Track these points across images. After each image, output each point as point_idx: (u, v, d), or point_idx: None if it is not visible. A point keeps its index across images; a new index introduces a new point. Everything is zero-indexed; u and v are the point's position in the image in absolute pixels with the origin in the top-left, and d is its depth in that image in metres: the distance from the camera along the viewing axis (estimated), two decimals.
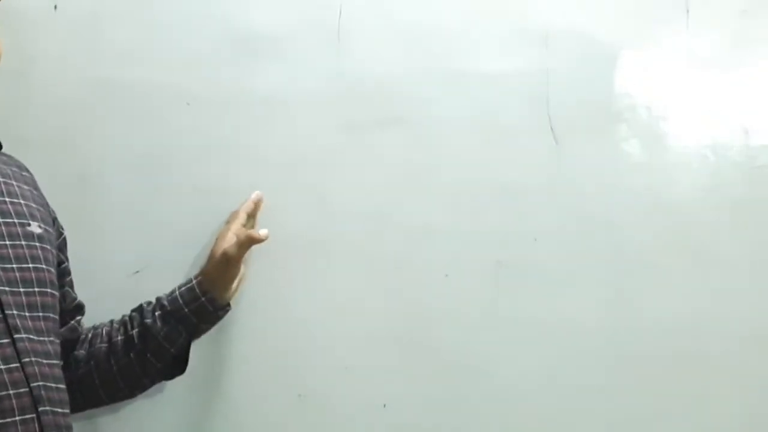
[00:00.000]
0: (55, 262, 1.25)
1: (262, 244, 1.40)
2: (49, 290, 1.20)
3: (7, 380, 1.08)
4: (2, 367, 1.08)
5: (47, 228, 1.25)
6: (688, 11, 1.57)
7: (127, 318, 1.37)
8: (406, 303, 1.50)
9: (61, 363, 1.20)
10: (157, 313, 1.34)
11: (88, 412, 1.39)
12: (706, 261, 1.53)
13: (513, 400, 1.50)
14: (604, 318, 1.51)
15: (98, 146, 1.46)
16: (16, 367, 1.09)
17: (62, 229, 1.34)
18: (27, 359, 1.11)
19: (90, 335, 1.36)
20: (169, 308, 1.34)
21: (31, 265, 1.17)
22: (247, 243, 1.37)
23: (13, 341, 1.10)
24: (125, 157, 1.46)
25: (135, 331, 1.34)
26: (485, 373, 1.50)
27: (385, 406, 1.48)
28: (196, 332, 1.37)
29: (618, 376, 1.51)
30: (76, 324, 1.35)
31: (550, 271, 1.51)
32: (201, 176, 1.47)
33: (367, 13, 1.51)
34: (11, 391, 1.07)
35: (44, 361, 1.13)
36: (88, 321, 1.40)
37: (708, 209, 1.54)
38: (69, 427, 1.17)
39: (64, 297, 1.31)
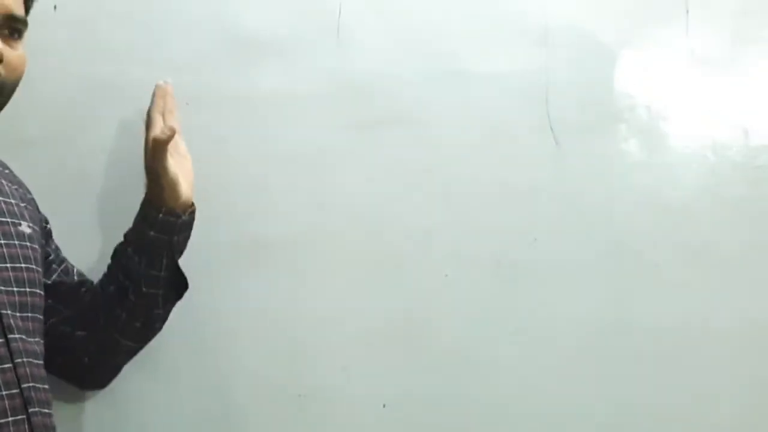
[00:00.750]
0: (41, 261, 1.24)
1: (261, 244, 1.39)
2: (38, 291, 1.19)
3: (0, 381, 1.08)
4: None
5: (35, 227, 1.24)
6: (687, 11, 1.57)
7: (107, 269, 1.36)
8: (406, 303, 1.50)
9: (42, 362, 1.19)
10: (129, 249, 1.32)
11: (86, 410, 1.40)
12: (706, 261, 1.53)
13: (513, 399, 1.50)
14: (604, 318, 1.52)
15: (98, 146, 1.46)
16: (9, 367, 1.09)
17: (46, 221, 1.33)
18: (19, 360, 1.10)
19: (89, 297, 1.35)
20: (135, 239, 1.32)
21: (23, 265, 1.17)
22: (158, 147, 1.28)
23: (7, 341, 1.10)
24: (125, 157, 1.46)
25: (120, 274, 1.32)
26: (485, 373, 1.50)
27: (385, 406, 1.48)
28: (173, 244, 1.33)
29: (618, 375, 1.51)
30: (81, 295, 1.34)
31: (550, 271, 1.52)
32: (201, 176, 1.47)
33: (367, 13, 1.51)
34: (4, 392, 1.07)
35: (34, 362, 1.13)
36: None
37: (708, 209, 1.54)
38: (54, 428, 1.16)
39: (58, 285, 1.31)
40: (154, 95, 1.37)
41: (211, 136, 1.48)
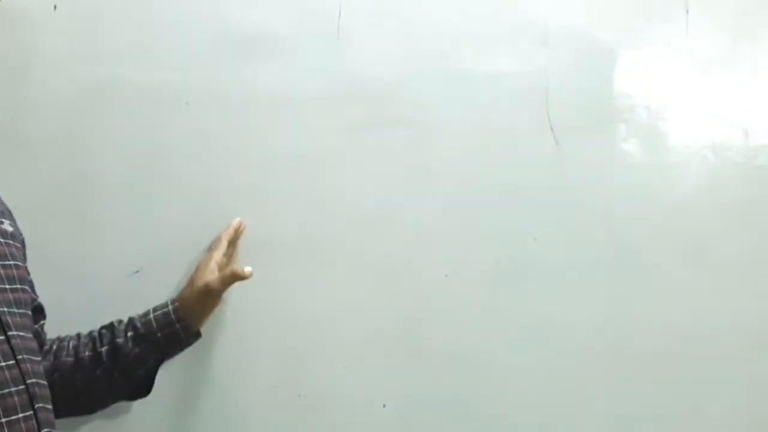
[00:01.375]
0: (24, 258, 1.24)
1: (261, 244, 1.40)
2: (27, 287, 1.20)
3: (8, 377, 1.07)
4: (2, 363, 1.07)
5: (16, 226, 1.24)
6: (687, 11, 1.57)
7: (96, 334, 1.35)
8: (406, 303, 1.50)
9: (40, 359, 1.18)
10: (129, 334, 1.32)
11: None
12: (706, 261, 1.53)
13: (513, 399, 1.50)
14: (604, 318, 1.52)
15: (98, 146, 1.46)
16: (13, 364, 1.09)
17: (20, 231, 1.30)
18: (21, 356, 1.10)
19: (55, 347, 1.33)
20: (142, 330, 1.33)
21: (11, 262, 1.17)
22: (231, 280, 1.37)
23: (8, 338, 1.10)
24: (125, 156, 1.46)
25: (104, 349, 1.32)
26: (485, 373, 1.50)
27: (385, 406, 1.48)
28: (166, 356, 1.36)
29: (618, 375, 1.51)
30: (39, 328, 1.31)
31: (550, 271, 1.52)
32: (201, 176, 1.47)
33: (367, 13, 1.51)
34: (12, 389, 1.07)
35: (33, 358, 1.13)
36: (88, 321, 1.39)
37: (708, 209, 1.55)
38: (54, 424, 1.16)
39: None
40: (230, 225, 1.44)
41: (211, 136, 1.48)
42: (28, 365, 1.11)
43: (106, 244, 1.45)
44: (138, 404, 1.41)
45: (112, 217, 1.46)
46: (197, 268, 1.40)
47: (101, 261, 1.44)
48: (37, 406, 1.09)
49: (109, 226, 1.46)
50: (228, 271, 1.36)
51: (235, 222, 1.44)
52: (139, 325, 1.33)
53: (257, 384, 1.47)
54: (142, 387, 1.35)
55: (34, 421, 1.08)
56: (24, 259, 1.25)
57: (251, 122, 1.49)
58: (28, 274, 1.30)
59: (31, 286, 1.30)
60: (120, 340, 1.32)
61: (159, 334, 1.33)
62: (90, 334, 1.35)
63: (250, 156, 1.49)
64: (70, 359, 1.31)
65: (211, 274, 1.36)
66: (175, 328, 1.34)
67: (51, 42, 1.46)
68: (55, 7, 1.47)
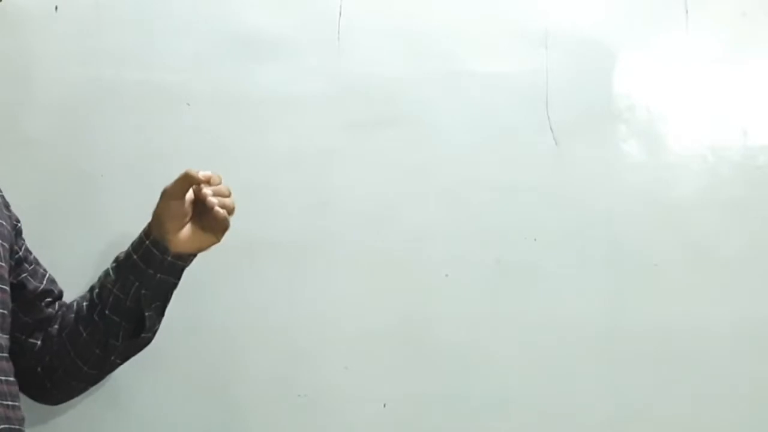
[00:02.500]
0: (7, 257, 1.22)
1: (261, 244, 1.39)
2: (4, 286, 1.18)
3: None
4: None
5: (2, 222, 1.22)
6: (687, 12, 1.57)
7: (93, 284, 1.34)
8: (406, 303, 1.50)
9: (7, 355, 1.17)
10: (111, 266, 1.31)
11: (87, 409, 1.40)
12: (706, 261, 1.53)
13: (513, 399, 1.50)
14: (604, 318, 1.52)
15: (98, 146, 1.46)
16: None
17: (17, 220, 1.31)
18: None
19: (62, 311, 1.33)
20: (121, 259, 1.31)
21: None
22: (185, 179, 1.27)
23: None
24: (125, 157, 1.46)
25: (96, 291, 1.31)
26: (485, 373, 1.50)
27: (385, 405, 1.48)
28: (149, 282, 1.29)
29: (618, 375, 1.51)
30: (44, 305, 1.31)
31: (550, 271, 1.52)
32: None
33: (367, 13, 1.52)
34: None
35: None
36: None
37: (708, 209, 1.55)
38: (21, 420, 1.15)
39: (24, 285, 1.28)
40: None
41: (211, 136, 1.48)
42: None
43: (107, 245, 1.45)
44: (137, 404, 1.41)
45: (112, 217, 1.46)
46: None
47: (102, 261, 1.44)
48: None
49: (109, 227, 1.46)
50: (181, 173, 1.29)
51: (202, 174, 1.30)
52: (120, 256, 1.32)
53: (257, 384, 1.47)
54: (139, 327, 1.30)
55: None
56: (5, 258, 1.22)
57: (251, 122, 1.50)
58: (30, 263, 1.31)
59: (33, 273, 1.31)
60: (104, 276, 1.31)
61: (134, 257, 1.29)
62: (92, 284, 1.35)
63: (250, 156, 1.49)
64: (73, 315, 1.31)
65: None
66: (146, 245, 1.29)
67: (52, 42, 1.47)
68: (56, 7, 1.47)
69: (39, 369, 1.29)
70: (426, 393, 1.49)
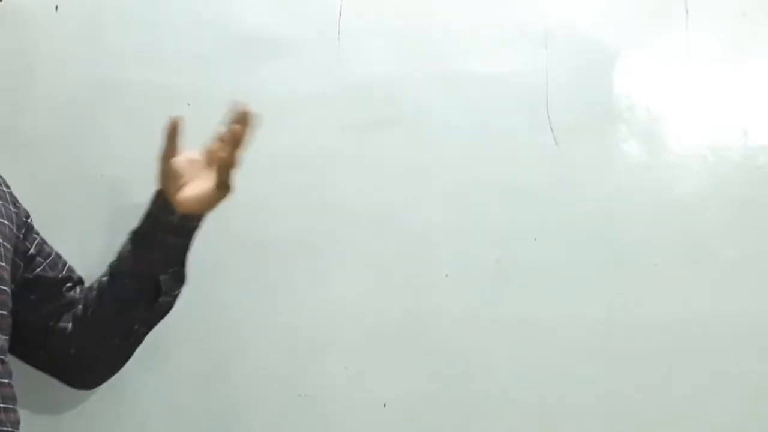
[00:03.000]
0: (10, 256, 1.23)
1: (262, 244, 1.39)
2: (3, 287, 1.18)
3: None
4: None
5: (1, 220, 1.22)
6: (687, 12, 1.57)
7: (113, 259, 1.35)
8: (406, 303, 1.50)
9: (5, 358, 1.18)
10: (127, 238, 1.32)
11: (86, 410, 1.40)
12: (706, 261, 1.54)
13: (513, 399, 1.50)
14: (604, 318, 1.52)
15: (98, 146, 1.46)
16: None
17: (27, 216, 1.31)
18: None
19: (86, 292, 1.34)
20: (134, 229, 1.32)
21: None
22: (170, 140, 1.29)
23: None
24: (125, 157, 1.46)
25: (113, 264, 1.32)
26: (485, 373, 1.50)
27: (385, 405, 1.48)
28: (159, 246, 1.30)
29: (618, 375, 1.51)
30: (65, 290, 1.32)
31: (550, 271, 1.52)
32: None
33: (367, 13, 1.52)
34: None
35: None
36: None
37: (708, 209, 1.55)
38: (14, 422, 1.15)
39: (41, 278, 1.30)
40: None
41: (211, 136, 1.48)
42: None
43: (107, 245, 1.45)
44: (137, 404, 1.42)
45: (112, 218, 1.46)
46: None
47: (102, 261, 1.44)
48: None
49: (109, 227, 1.46)
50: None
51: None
52: (135, 228, 1.32)
53: (257, 384, 1.47)
54: (156, 294, 1.31)
55: None
56: (6, 258, 1.22)
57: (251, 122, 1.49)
58: (46, 256, 1.32)
59: (52, 265, 1.32)
60: (120, 249, 1.32)
61: (146, 223, 1.31)
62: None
63: (250, 156, 1.48)
64: (94, 292, 1.32)
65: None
66: (152, 209, 1.30)
67: (52, 43, 1.47)
68: (56, 7, 1.47)
69: (72, 351, 1.30)
70: (426, 393, 1.49)
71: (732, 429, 1.52)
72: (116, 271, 1.31)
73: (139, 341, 1.34)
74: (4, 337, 1.18)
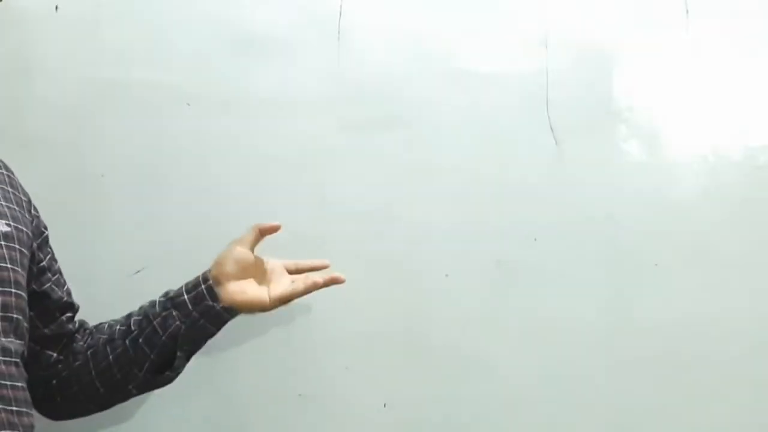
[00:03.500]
0: (26, 263, 1.22)
1: (263, 244, 1.39)
2: (12, 290, 1.17)
3: None
4: None
5: (18, 226, 1.22)
6: (687, 12, 1.57)
7: (135, 310, 1.33)
8: (406, 303, 1.50)
9: (21, 362, 1.17)
10: (159, 299, 1.31)
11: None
12: (706, 261, 1.53)
13: (513, 399, 1.50)
14: (604, 318, 1.52)
15: (98, 146, 1.46)
16: None
17: (45, 228, 1.32)
18: None
19: (95, 328, 1.33)
20: (171, 295, 1.30)
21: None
22: (256, 234, 1.31)
23: None
24: (125, 157, 1.46)
25: (135, 318, 1.30)
26: (485, 373, 1.50)
27: (385, 405, 1.48)
28: (191, 324, 1.28)
29: (617, 375, 1.51)
30: (65, 320, 1.31)
31: (550, 271, 1.52)
32: (201, 176, 1.47)
33: (367, 13, 1.52)
34: None
35: (1, 358, 1.12)
36: (89, 321, 1.38)
37: (708, 209, 1.55)
38: (28, 426, 1.15)
39: (47, 294, 1.29)
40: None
41: (211, 136, 1.48)
42: None
43: (108, 245, 1.46)
44: (137, 404, 1.41)
45: (113, 218, 1.46)
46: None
47: (102, 261, 1.45)
48: None
49: (110, 227, 1.46)
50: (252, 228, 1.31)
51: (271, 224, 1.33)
52: (171, 291, 1.31)
53: (257, 384, 1.47)
54: (167, 364, 1.30)
55: None
56: (29, 259, 1.23)
57: (252, 123, 1.50)
58: (54, 273, 1.31)
59: (57, 283, 1.31)
60: (148, 307, 1.30)
61: (184, 297, 1.28)
62: (130, 312, 1.34)
63: (250, 156, 1.49)
64: (104, 336, 1.31)
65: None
66: (200, 289, 1.28)
67: (52, 42, 1.47)
68: (56, 7, 1.47)
69: (54, 381, 1.29)
70: (426, 393, 1.49)
71: (732, 429, 1.52)
72: (135, 328, 1.29)
73: (123, 400, 1.33)
74: (20, 341, 1.17)
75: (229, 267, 1.30)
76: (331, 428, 1.48)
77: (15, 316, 1.17)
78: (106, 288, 1.44)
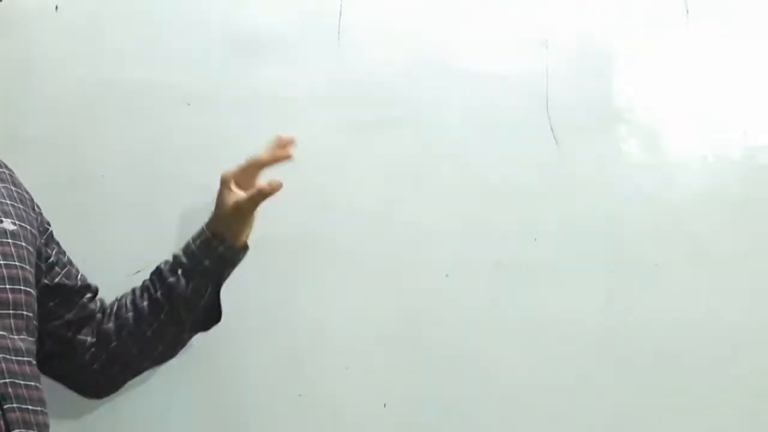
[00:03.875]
0: (33, 260, 1.24)
1: (261, 244, 1.39)
2: (21, 287, 1.18)
3: None
4: None
5: (23, 225, 1.23)
6: (687, 11, 1.57)
7: (147, 282, 1.36)
8: (406, 303, 1.50)
9: (33, 361, 1.18)
10: (179, 271, 1.34)
11: (86, 410, 1.41)
12: (706, 261, 1.53)
13: (513, 399, 1.50)
14: (604, 318, 1.52)
15: (98, 146, 1.47)
16: None
17: (48, 224, 1.33)
18: None
19: (115, 307, 1.36)
20: (189, 264, 1.34)
21: (2, 262, 1.16)
22: (259, 197, 1.34)
23: None
24: (125, 157, 1.47)
25: (159, 293, 1.34)
26: (485, 373, 1.50)
27: (385, 405, 1.48)
28: (221, 278, 1.37)
29: (617, 375, 1.51)
30: (86, 301, 1.34)
31: (550, 271, 1.52)
32: (201, 176, 1.47)
33: (367, 13, 1.52)
34: None
35: (13, 358, 1.12)
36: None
37: (708, 209, 1.55)
38: (42, 425, 1.15)
39: (61, 286, 1.31)
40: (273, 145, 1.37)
41: (211, 136, 1.49)
42: (2, 365, 1.11)
43: (108, 245, 1.46)
44: (137, 404, 1.42)
45: (113, 218, 1.46)
46: (223, 184, 1.36)
47: (102, 261, 1.44)
48: (6, 406, 1.09)
49: (110, 227, 1.46)
50: (254, 189, 1.34)
51: (282, 138, 1.36)
52: (185, 260, 1.34)
53: (257, 384, 1.47)
54: (210, 315, 1.37)
55: (1, 422, 1.08)
56: (35, 256, 1.25)
57: (252, 122, 1.50)
58: (63, 265, 1.33)
59: (68, 275, 1.34)
60: (172, 280, 1.33)
61: (206, 262, 1.34)
62: (143, 284, 1.37)
63: (250, 155, 1.49)
64: (131, 314, 1.34)
65: (236, 195, 1.35)
66: (219, 251, 1.34)
67: (52, 42, 1.47)
68: (56, 7, 1.47)
69: (94, 366, 1.33)
70: (426, 393, 1.49)
71: (732, 429, 1.51)
72: (166, 301, 1.33)
73: (160, 358, 1.38)
74: (31, 339, 1.18)
75: (240, 231, 1.36)
76: (331, 428, 1.48)
77: (26, 313, 1.18)
78: (106, 288, 1.43)
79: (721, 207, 1.54)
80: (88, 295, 1.35)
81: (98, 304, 1.36)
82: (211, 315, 1.37)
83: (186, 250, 1.35)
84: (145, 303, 1.34)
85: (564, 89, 1.54)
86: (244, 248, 1.38)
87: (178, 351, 1.38)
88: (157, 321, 1.33)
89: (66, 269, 1.34)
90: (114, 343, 1.33)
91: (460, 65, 1.54)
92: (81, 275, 1.36)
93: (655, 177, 1.55)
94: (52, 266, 1.31)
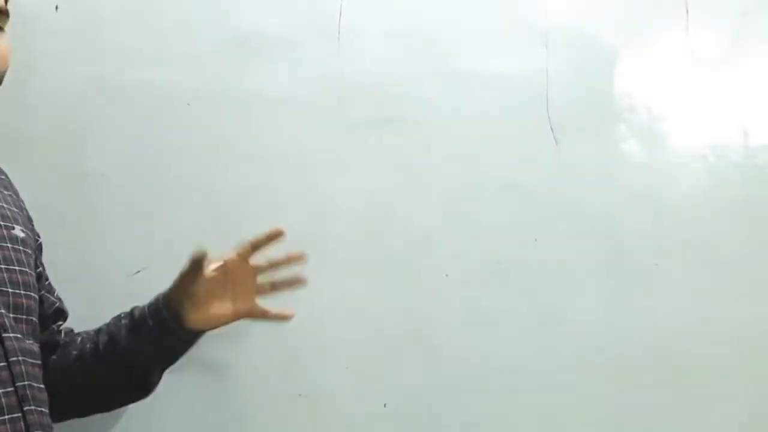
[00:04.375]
0: (33, 266, 1.23)
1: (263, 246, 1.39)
2: (32, 294, 1.19)
3: None
4: None
5: (27, 232, 1.23)
6: (687, 11, 1.57)
7: (103, 326, 1.33)
8: (406, 303, 1.50)
9: (40, 363, 1.18)
10: (124, 322, 1.30)
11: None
12: (706, 261, 1.54)
13: (513, 399, 1.50)
14: (604, 318, 1.52)
15: (99, 146, 1.46)
16: (4, 366, 1.09)
17: (38, 236, 1.32)
18: (14, 358, 1.10)
19: (68, 340, 1.32)
20: (136, 317, 1.29)
21: (17, 268, 1.17)
22: (196, 261, 1.24)
23: (2, 340, 1.10)
24: (125, 157, 1.46)
25: (102, 338, 1.30)
26: (485, 373, 1.50)
27: (385, 405, 1.48)
28: (162, 350, 1.30)
29: (617, 375, 1.51)
30: (56, 328, 1.32)
31: (550, 271, 1.52)
32: (201, 176, 1.47)
33: (367, 13, 1.52)
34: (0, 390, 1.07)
35: (30, 360, 1.13)
36: (89, 321, 1.38)
37: (708, 209, 1.55)
38: (51, 427, 1.16)
39: (41, 301, 1.28)
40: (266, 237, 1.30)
41: (211, 136, 1.48)
42: (22, 367, 1.11)
43: (108, 245, 1.46)
44: (137, 404, 1.41)
45: (113, 218, 1.46)
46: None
47: (102, 261, 1.44)
48: (26, 408, 1.09)
49: (110, 227, 1.46)
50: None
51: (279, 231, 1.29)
52: (135, 313, 1.30)
53: (257, 384, 1.47)
54: (141, 385, 1.32)
55: (22, 423, 1.08)
56: (35, 265, 1.25)
57: (252, 122, 1.50)
58: (46, 279, 1.31)
59: (49, 290, 1.32)
60: (115, 330, 1.29)
61: (150, 322, 1.27)
62: (100, 327, 1.33)
63: (250, 156, 1.49)
64: (75, 352, 1.30)
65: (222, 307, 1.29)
66: (162, 315, 1.27)
67: (52, 42, 1.47)
68: (56, 7, 1.47)
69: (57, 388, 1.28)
70: (426, 393, 1.49)
71: (732, 429, 1.52)
72: (105, 350, 1.28)
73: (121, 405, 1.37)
74: (38, 344, 1.19)
75: (192, 299, 1.27)
76: (331, 428, 1.48)
77: (34, 318, 1.19)
78: (106, 288, 1.44)
79: (721, 207, 1.55)
80: (59, 322, 1.32)
81: (62, 335, 1.33)
82: (141, 387, 1.32)
83: (143, 305, 1.30)
84: (89, 345, 1.29)
85: (564, 89, 1.54)
86: (192, 329, 1.28)
87: (104, 408, 1.34)
88: (91, 367, 1.28)
89: (47, 283, 1.32)
90: (51, 376, 1.24)
91: (460, 65, 1.54)
92: (57, 295, 1.33)
93: (655, 177, 1.55)
94: (39, 278, 1.29)
